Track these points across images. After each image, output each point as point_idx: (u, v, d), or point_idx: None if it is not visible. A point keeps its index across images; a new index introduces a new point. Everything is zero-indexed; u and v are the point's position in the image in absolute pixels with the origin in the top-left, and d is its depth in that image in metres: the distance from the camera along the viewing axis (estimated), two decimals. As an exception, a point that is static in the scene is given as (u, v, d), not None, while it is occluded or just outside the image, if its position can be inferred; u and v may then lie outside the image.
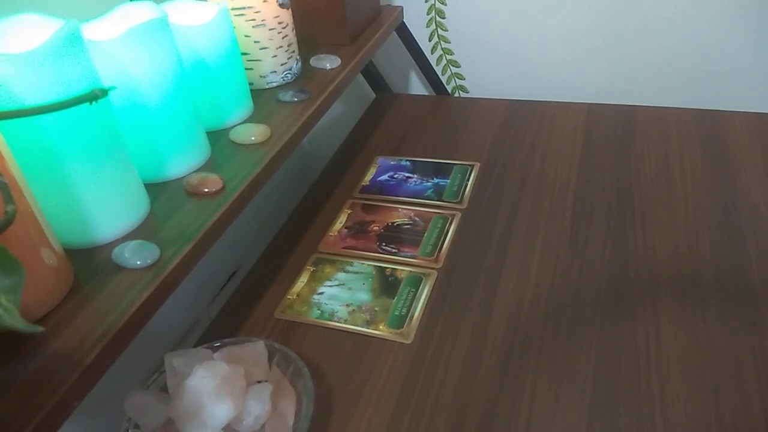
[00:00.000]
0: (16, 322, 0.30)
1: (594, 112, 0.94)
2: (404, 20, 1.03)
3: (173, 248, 0.52)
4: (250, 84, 0.76)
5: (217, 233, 0.56)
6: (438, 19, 1.07)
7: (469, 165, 0.85)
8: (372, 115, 1.02)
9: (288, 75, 0.78)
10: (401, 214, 0.77)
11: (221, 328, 0.65)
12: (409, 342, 0.61)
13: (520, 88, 1.08)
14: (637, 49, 0.99)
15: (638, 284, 0.64)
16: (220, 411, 0.48)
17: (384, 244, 0.73)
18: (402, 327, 0.62)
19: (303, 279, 0.69)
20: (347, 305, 0.65)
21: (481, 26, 1.05)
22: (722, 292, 0.62)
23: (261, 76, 0.77)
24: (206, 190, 0.59)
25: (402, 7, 1.02)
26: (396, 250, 0.72)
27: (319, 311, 0.65)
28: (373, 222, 0.77)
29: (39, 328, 0.31)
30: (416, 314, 0.63)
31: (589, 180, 0.80)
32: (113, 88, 0.40)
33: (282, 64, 0.77)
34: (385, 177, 0.85)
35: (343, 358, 0.60)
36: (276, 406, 0.51)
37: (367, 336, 0.62)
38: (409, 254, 0.71)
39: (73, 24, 0.46)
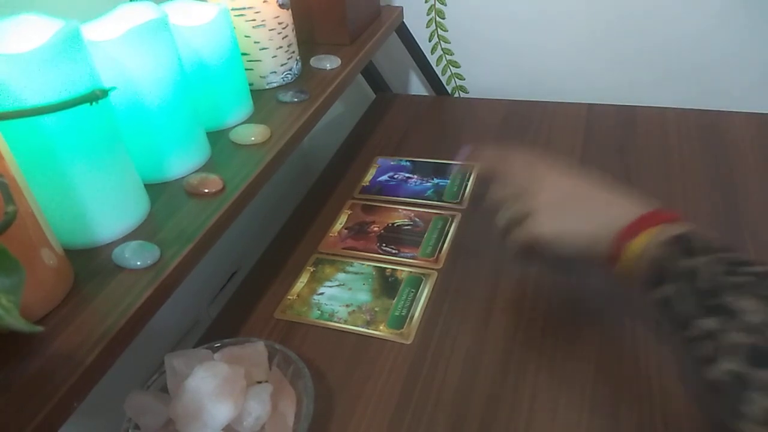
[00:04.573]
0: (16, 322, 0.30)
1: (594, 112, 0.94)
2: (404, 20, 1.03)
3: (173, 249, 0.52)
4: (250, 84, 0.76)
5: (217, 233, 0.56)
6: (438, 19, 1.07)
7: (470, 165, 0.85)
8: (372, 115, 1.02)
9: (288, 75, 0.79)
10: (401, 215, 0.77)
11: (221, 329, 0.65)
12: (409, 342, 0.61)
13: (520, 88, 1.08)
14: (638, 49, 0.99)
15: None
16: (221, 411, 0.48)
17: (384, 244, 0.73)
18: (402, 327, 0.62)
19: (303, 279, 0.69)
20: (347, 306, 0.65)
21: (481, 26, 1.05)
22: (722, 292, 0.62)
23: (261, 77, 0.77)
24: (206, 190, 0.59)
25: (402, 7, 1.02)
26: (396, 251, 0.72)
27: (319, 312, 0.65)
28: (373, 222, 0.77)
29: (39, 328, 0.31)
30: (416, 315, 0.63)
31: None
32: (113, 88, 0.40)
33: (282, 65, 0.77)
34: (385, 177, 0.85)
35: (343, 358, 0.60)
36: (276, 407, 0.51)
37: (367, 336, 0.62)
38: (409, 255, 0.71)
39: (73, 24, 0.46)
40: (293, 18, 0.78)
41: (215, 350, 0.56)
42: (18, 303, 0.32)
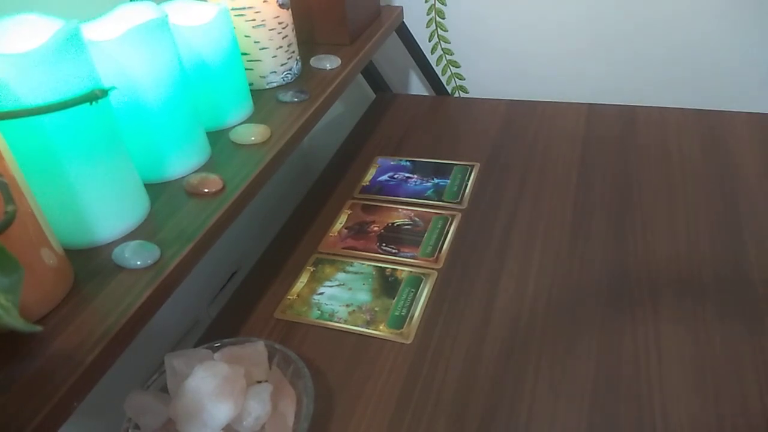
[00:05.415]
0: (15, 321, 0.30)
1: (594, 112, 0.94)
2: (404, 20, 1.03)
3: (173, 248, 0.52)
4: (250, 84, 0.76)
5: (217, 233, 0.56)
6: (438, 19, 1.07)
7: (469, 165, 0.85)
8: (372, 115, 1.02)
9: (288, 75, 0.79)
10: (401, 215, 0.77)
11: (221, 328, 0.65)
12: (409, 342, 0.61)
13: (520, 88, 1.08)
14: (638, 49, 0.99)
15: (638, 284, 0.64)
16: (221, 411, 0.48)
17: (384, 244, 0.73)
18: (402, 327, 0.62)
19: (303, 279, 0.69)
20: (347, 305, 0.65)
21: (481, 26, 1.05)
22: (722, 291, 0.62)
23: (261, 77, 0.77)
24: (206, 190, 0.59)
25: (402, 7, 1.02)
26: (396, 251, 0.72)
27: (319, 311, 0.65)
28: (373, 222, 0.77)
29: (38, 328, 0.31)
30: (416, 314, 0.63)
31: (589, 180, 0.80)
32: (113, 88, 0.40)
33: (282, 65, 0.77)
34: (385, 177, 0.85)
35: (343, 358, 0.60)
36: (276, 407, 0.51)
37: (367, 336, 0.62)
38: (409, 254, 0.71)
39: (73, 24, 0.46)
40: (293, 18, 0.78)
41: (215, 350, 0.56)
42: (17, 302, 0.31)
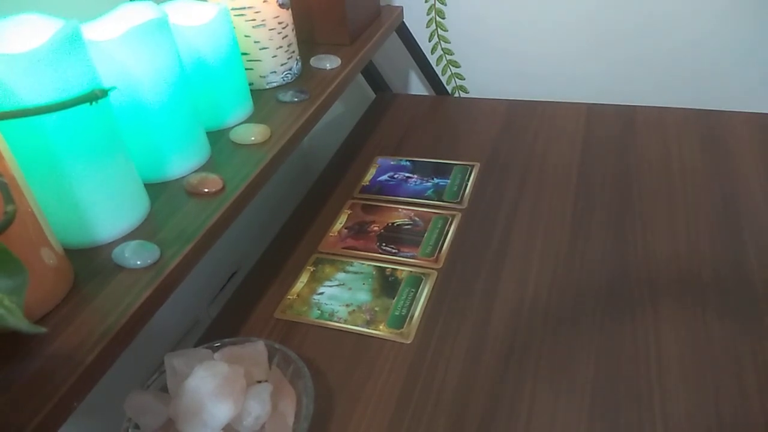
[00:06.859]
0: (19, 323, 0.30)
1: (594, 112, 0.94)
2: (404, 20, 1.03)
3: (173, 248, 0.52)
4: (250, 84, 0.76)
5: (217, 233, 0.56)
6: (438, 19, 1.07)
7: (469, 165, 0.85)
8: (372, 115, 1.02)
9: (288, 75, 0.79)
10: (401, 215, 0.77)
11: (221, 328, 0.65)
12: (409, 342, 0.61)
13: (520, 88, 1.08)
14: (637, 49, 0.99)
15: (638, 284, 0.64)
16: (221, 411, 0.48)
17: (384, 244, 0.73)
18: (402, 327, 0.62)
19: (303, 279, 0.69)
20: (347, 305, 0.65)
21: (481, 26, 1.05)
22: (722, 291, 0.62)
23: (261, 77, 0.77)
24: (206, 190, 0.59)
25: (402, 7, 1.02)
26: (396, 251, 0.72)
27: (319, 311, 0.65)
28: (373, 222, 0.77)
29: (42, 329, 0.31)
30: (416, 314, 0.63)
31: (589, 180, 0.80)
32: (113, 88, 0.40)
33: (282, 65, 0.77)
34: (385, 177, 0.85)
35: (343, 358, 0.60)
36: (276, 406, 0.51)
37: (367, 336, 0.62)
38: (409, 254, 0.71)
39: (73, 24, 0.46)
40: (293, 18, 0.78)
41: (215, 350, 0.56)
42: (21, 304, 0.32)
